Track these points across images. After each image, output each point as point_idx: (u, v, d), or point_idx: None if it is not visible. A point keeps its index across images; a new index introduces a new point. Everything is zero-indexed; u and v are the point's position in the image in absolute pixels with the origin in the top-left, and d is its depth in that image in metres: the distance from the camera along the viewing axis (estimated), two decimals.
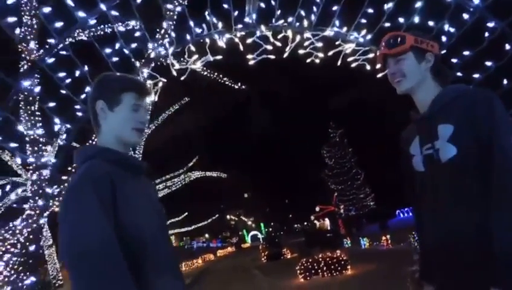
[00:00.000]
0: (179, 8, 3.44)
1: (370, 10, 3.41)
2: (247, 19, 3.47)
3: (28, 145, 3.43)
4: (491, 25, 3.09)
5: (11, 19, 2.64)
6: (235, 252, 48.06)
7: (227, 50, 3.58)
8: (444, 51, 3.20)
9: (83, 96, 3.09)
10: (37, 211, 3.12)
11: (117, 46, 3.08)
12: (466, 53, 3.27)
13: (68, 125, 3.28)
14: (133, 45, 3.25)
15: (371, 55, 3.67)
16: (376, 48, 3.55)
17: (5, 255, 3.18)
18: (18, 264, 3.10)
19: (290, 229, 66.20)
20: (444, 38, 3.25)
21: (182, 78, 3.68)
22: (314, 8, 3.47)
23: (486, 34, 3.13)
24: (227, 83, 6.39)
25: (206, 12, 3.32)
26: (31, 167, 3.35)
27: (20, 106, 3.62)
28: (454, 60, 3.30)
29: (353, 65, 3.80)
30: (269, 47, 3.62)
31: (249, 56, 3.69)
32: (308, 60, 3.86)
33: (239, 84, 6.93)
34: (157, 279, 1.11)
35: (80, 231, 0.99)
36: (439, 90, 1.40)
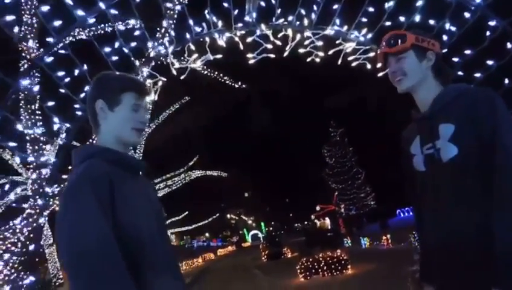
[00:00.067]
0: (178, 7, 3.43)
1: (371, 9, 3.39)
2: (247, 18, 3.45)
3: (29, 144, 3.43)
4: (492, 23, 3.07)
5: (10, 18, 2.63)
6: (235, 251, 48.11)
7: (227, 49, 3.57)
8: (445, 50, 3.19)
9: (82, 95, 3.09)
10: (37, 210, 3.12)
11: (116, 45, 3.07)
12: (467, 52, 3.26)
13: (67, 125, 3.27)
14: (133, 44, 3.24)
15: (371, 54, 3.66)
16: (377, 47, 3.53)
17: (5, 254, 3.18)
18: (18, 263, 3.11)
19: (290, 228, 66.25)
20: (445, 37, 3.24)
21: (182, 77, 3.67)
22: (315, 7, 3.45)
23: (488, 33, 3.12)
24: (227, 82, 6.37)
25: (206, 11, 3.31)
26: (31, 166, 3.35)
27: (21, 104, 3.62)
28: (455, 59, 3.28)
29: (354, 64, 3.78)
30: (269, 46, 3.61)
31: (249, 55, 3.67)
32: (309, 59, 3.84)
33: (239, 83, 6.92)
34: (155, 279, 1.11)
35: (78, 230, 0.99)
36: (440, 89, 1.40)
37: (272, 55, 3.78)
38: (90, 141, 2.88)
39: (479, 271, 1.18)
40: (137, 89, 1.27)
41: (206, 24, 3.37)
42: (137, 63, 3.32)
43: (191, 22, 3.35)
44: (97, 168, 1.11)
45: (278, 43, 3.66)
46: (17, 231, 3.19)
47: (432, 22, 3.29)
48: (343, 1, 3.39)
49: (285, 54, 3.81)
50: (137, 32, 3.30)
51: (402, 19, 3.38)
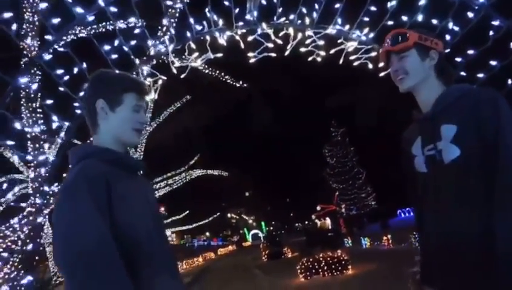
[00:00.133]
0: (179, 5, 3.41)
1: (373, 8, 3.37)
2: (248, 17, 3.43)
3: (30, 142, 3.42)
4: (496, 23, 3.05)
5: (7, 14, 2.61)
6: (236, 250, 48.21)
7: (228, 48, 3.55)
8: (447, 50, 3.16)
9: (81, 93, 3.08)
10: (35, 209, 3.11)
11: (116, 43, 3.05)
12: (470, 52, 3.23)
13: (67, 123, 3.27)
14: (133, 42, 3.22)
15: (373, 54, 3.64)
16: (379, 47, 3.51)
17: (5, 253, 3.18)
18: (18, 262, 3.10)
19: (291, 228, 66.35)
20: (447, 37, 3.21)
21: (182, 76, 3.66)
22: (316, 6, 3.43)
23: (491, 33, 3.09)
24: (228, 81, 6.35)
25: (207, 10, 3.29)
26: (32, 165, 3.34)
27: (22, 102, 3.61)
28: (458, 59, 3.26)
29: (355, 64, 3.76)
30: (270, 45, 3.59)
31: (250, 54, 3.66)
32: (310, 59, 3.82)
33: (240, 82, 6.90)
34: (153, 278, 1.11)
35: (75, 230, 0.99)
36: (443, 89, 1.38)
37: (273, 54, 3.77)
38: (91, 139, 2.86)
39: (480, 272, 1.17)
40: (138, 89, 1.27)
41: (206, 22, 3.35)
42: (137, 61, 3.30)
43: (191, 20, 3.33)
44: (93, 168, 1.11)
45: (279, 42, 3.64)
46: (18, 229, 3.18)
47: (434, 21, 3.26)
48: (345, 0, 3.36)
49: (287, 53, 3.79)
50: (137, 31, 3.29)
51: (404, 18, 3.36)
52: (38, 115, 3.51)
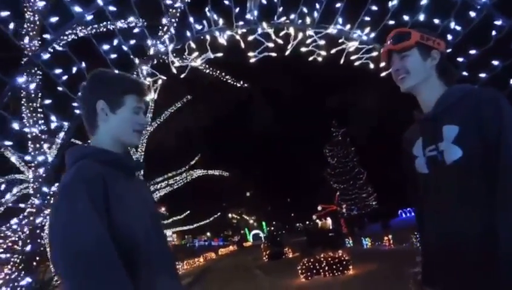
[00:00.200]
0: (178, 4, 3.40)
1: (374, 7, 3.34)
2: (248, 16, 3.41)
3: (30, 143, 3.42)
4: (498, 23, 3.03)
5: (7, 14, 2.60)
6: (236, 250, 48.29)
7: (228, 47, 3.54)
8: (449, 50, 3.14)
9: (79, 93, 3.06)
10: (35, 210, 3.11)
11: (115, 42, 3.04)
12: (472, 52, 3.21)
13: (66, 123, 3.26)
14: (132, 42, 3.21)
15: (374, 54, 3.61)
16: (380, 46, 3.49)
17: (7, 253, 3.18)
18: (19, 263, 3.10)
19: (292, 228, 66.35)
20: (449, 37, 3.19)
21: (182, 76, 3.65)
22: (317, 5, 3.41)
23: (494, 33, 3.07)
24: (229, 81, 6.35)
25: (207, 9, 3.28)
26: (32, 165, 3.34)
27: (22, 102, 3.61)
28: (460, 59, 3.24)
29: (356, 64, 3.74)
30: (271, 44, 3.57)
31: (251, 54, 3.64)
32: (311, 58, 3.81)
33: (241, 82, 6.89)
34: (151, 278, 1.11)
35: (73, 230, 0.98)
36: (444, 89, 1.38)
37: (274, 54, 3.75)
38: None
39: (482, 272, 1.17)
40: (138, 91, 1.27)
41: (206, 22, 3.33)
42: (136, 61, 3.29)
43: (191, 19, 3.32)
44: (90, 169, 1.11)
45: (280, 41, 3.62)
46: (18, 229, 3.18)
47: (436, 21, 3.24)
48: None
49: (287, 52, 3.77)
50: (136, 30, 3.28)
51: (406, 17, 3.34)
52: (38, 115, 3.51)
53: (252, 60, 3.72)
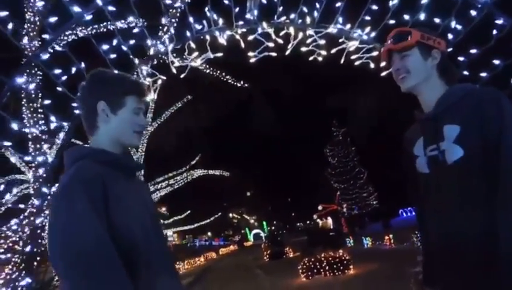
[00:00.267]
0: (178, 4, 3.39)
1: (374, 7, 3.33)
2: (248, 16, 3.41)
3: (31, 143, 3.41)
4: (499, 22, 3.01)
5: (4, 13, 2.59)
6: (237, 250, 48.32)
7: (228, 47, 3.53)
8: (450, 49, 3.13)
9: (79, 93, 3.05)
10: (34, 210, 3.10)
11: (114, 42, 3.03)
12: (473, 51, 3.20)
13: (65, 123, 3.25)
14: (131, 42, 3.20)
15: (375, 53, 3.60)
16: (380, 46, 3.47)
17: (8, 254, 3.18)
18: (19, 263, 3.10)
19: (292, 227, 66.39)
20: (450, 36, 3.18)
21: (182, 76, 3.64)
22: (317, 5, 3.40)
23: (495, 32, 3.06)
24: (229, 81, 6.35)
25: (206, 9, 3.27)
26: (33, 165, 3.33)
27: (23, 103, 3.60)
28: (460, 58, 3.23)
29: (357, 63, 3.73)
30: (271, 44, 3.56)
31: (251, 53, 3.63)
32: (311, 58, 3.80)
33: (241, 82, 6.89)
34: (151, 278, 1.11)
35: (73, 231, 0.98)
36: (445, 89, 1.37)
37: (274, 54, 3.74)
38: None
39: (482, 272, 1.17)
40: (139, 92, 1.27)
41: (206, 22, 3.33)
42: (136, 61, 3.28)
43: (191, 19, 3.31)
44: (89, 170, 1.10)
45: (280, 41, 3.62)
46: (19, 230, 3.18)
47: (437, 20, 3.23)
48: None
49: (287, 52, 3.76)
50: (136, 30, 3.27)
51: (406, 17, 3.33)
52: (39, 116, 3.51)
53: (252, 60, 3.71)
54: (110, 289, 0.95)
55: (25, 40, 2.99)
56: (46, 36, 2.83)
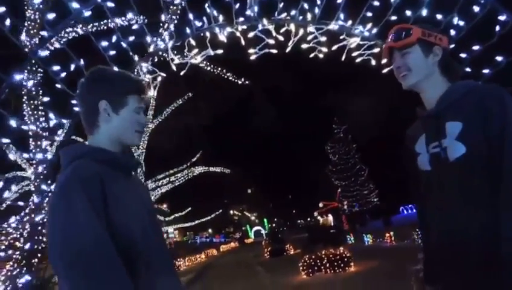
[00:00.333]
0: (178, 1, 3.36)
1: (376, 3, 3.31)
2: (248, 12, 3.39)
3: (31, 140, 3.41)
4: (502, 18, 2.99)
5: (6, 13, 2.58)
6: (238, 247, 48.47)
7: (229, 44, 3.51)
8: (452, 45, 3.11)
9: (79, 91, 3.04)
10: (33, 207, 3.11)
11: (114, 39, 3.01)
12: (475, 47, 3.17)
13: (65, 121, 3.25)
14: (131, 38, 3.18)
15: (376, 50, 3.58)
16: (382, 43, 3.45)
17: (9, 250, 3.19)
18: (20, 259, 3.11)
19: (293, 224, 66.55)
20: (452, 32, 3.15)
21: (182, 73, 3.63)
22: (318, 1, 3.38)
23: (497, 28, 3.03)
24: (230, 78, 6.32)
25: (206, 5, 3.25)
26: (34, 162, 3.33)
27: (24, 100, 3.60)
28: (463, 55, 3.20)
29: (358, 60, 3.71)
30: (271, 41, 3.54)
31: (251, 50, 3.61)
32: (312, 55, 3.77)
33: (242, 79, 6.86)
34: (150, 276, 1.12)
35: (72, 231, 0.98)
36: (448, 86, 1.36)
37: (274, 51, 3.72)
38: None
39: (483, 271, 1.17)
40: (139, 91, 1.26)
41: (206, 18, 3.31)
42: (136, 58, 3.27)
43: (191, 16, 3.29)
44: (87, 168, 1.09)
45: (281, 38, 3.60)
46: (20, 227, 3.19)
47: (439, 16, 3.20)
48: None
49: (288, 49, 3.74)
50: (135, 27, 3.25)
51: (408, 13, 3.30)
52: (39, 113, 3.49)
53: (253, 57, 3.69)
54: (110, 288, 0.94)
55: (23, 36, 2.96)
56: (44, 33, 2.81)
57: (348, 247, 12.15)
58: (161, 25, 3.57)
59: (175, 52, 3.50)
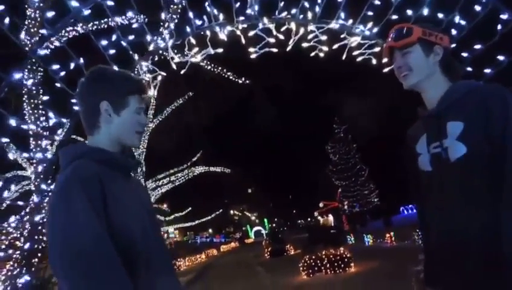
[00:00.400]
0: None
1: (377, 2, 3.30)
2: (249, 11, 3.38)
3: (32, 140, 3.41)
4: (504, 17, 2.97)
5: (5, 10, 2.58)
6: (238, 247, 48.50)
7: (229, 43, 3.50)
8: (453, 45, 3.09)
9: (79, 90, 3.04)
10: (33, 207, 3.10)
11: (114, 38, 3.01)
12: (477, 47, 3.16)
13: (64, 120, 3.24)
14: (131, 37, 3.17)
15: (377, 49, 3.57)
16: (383, 42, 3.44)
17: (9, 250, 3.19)
18: (20, 259, 3.11)
19: (293, 225, 66.60)
20: (454, 31, 3.14)
21: (182, 72, 3.63)
22: (319, 0, 3.37)
23: (499, 27, 3.02)
24: (230, 77, 6.31)
25: (207, 4, 3.24)
26: (34, 162, 3.33)
27: (24, 99, 3.60)
28: (464, 54, 3.19)
29: (359, 59, 3.70)
30: (272, 40, 3.53)
31: (251, 49, 3.60)
32: (312, 54, 3.77)
33: (243, 78, 6.86)
34: (150, 276, 1.12)
35: (72, 231, 0.98)
36: (449, 85, 1.35)
37: (275, 50, 3.71)
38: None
39: (484, 272, 1.16)
40: (140, 91, 1.26)
41: (207, 17, 3.30)
42: (136, 57, 3.26)
43: (191, 14, 3.28)
44: (86, 169, 1.09)
45: (281, 37, 3.59)
46: (20, 226, 3.19)
47: (440, 15, 3.19)
48: None
49: (288, 48, 3.73)
50: (135, 25, 3.24)
51: (409, 12, 3.29)
52: (40, 112, 3.49)
53: (253, 56, 3.68)
54: (110, 288, 0.94)
55: (23, 35, 2.96)
56: (44, 32, 2.80)
57: (348, 247, 12.14)
58: (161, 23, 3.56)
59: (175, 51, 3.49)
